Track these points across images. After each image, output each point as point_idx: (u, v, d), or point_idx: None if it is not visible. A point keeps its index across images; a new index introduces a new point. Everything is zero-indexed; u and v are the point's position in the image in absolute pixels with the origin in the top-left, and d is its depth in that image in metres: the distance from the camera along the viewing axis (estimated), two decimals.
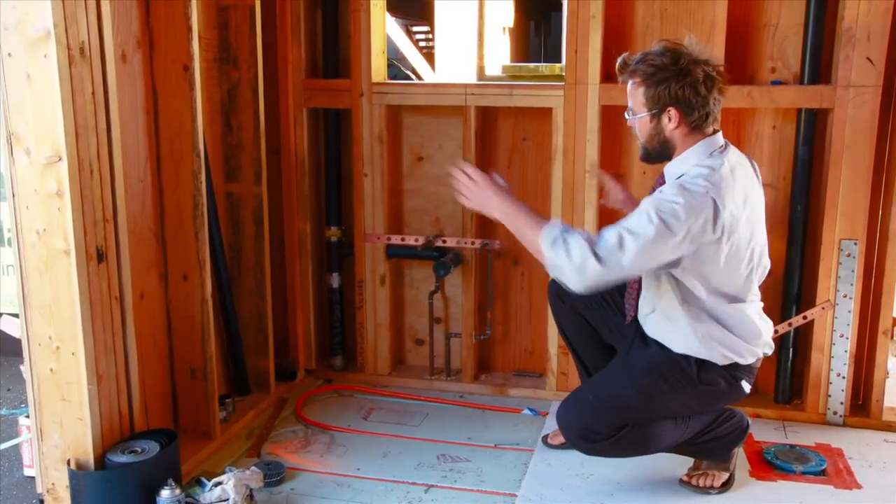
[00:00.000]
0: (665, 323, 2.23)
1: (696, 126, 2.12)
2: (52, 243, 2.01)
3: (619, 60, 2.18)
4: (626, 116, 2.19)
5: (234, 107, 2.75)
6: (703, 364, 2.19)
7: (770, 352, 2.29)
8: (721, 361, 2.20)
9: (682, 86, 2.07)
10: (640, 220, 2.00)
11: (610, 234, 2.01)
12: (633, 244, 1.98)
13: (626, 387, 2.20)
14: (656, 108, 2.11)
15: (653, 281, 2.23)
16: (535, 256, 2.11)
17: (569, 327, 2.57)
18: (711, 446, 2.31)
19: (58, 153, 1.96)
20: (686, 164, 2.13)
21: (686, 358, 2.20)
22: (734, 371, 2.22)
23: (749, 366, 2.24)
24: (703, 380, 2.20)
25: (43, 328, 2.08)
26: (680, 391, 2.19)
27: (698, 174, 2.07)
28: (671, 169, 2.18)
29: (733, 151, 2.17)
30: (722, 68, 2.12)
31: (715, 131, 2.15)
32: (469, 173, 2.15)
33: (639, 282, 2.31)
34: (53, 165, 1.97)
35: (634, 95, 2.14)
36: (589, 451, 2.25)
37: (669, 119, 2.11)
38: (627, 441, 2.19)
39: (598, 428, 2.18)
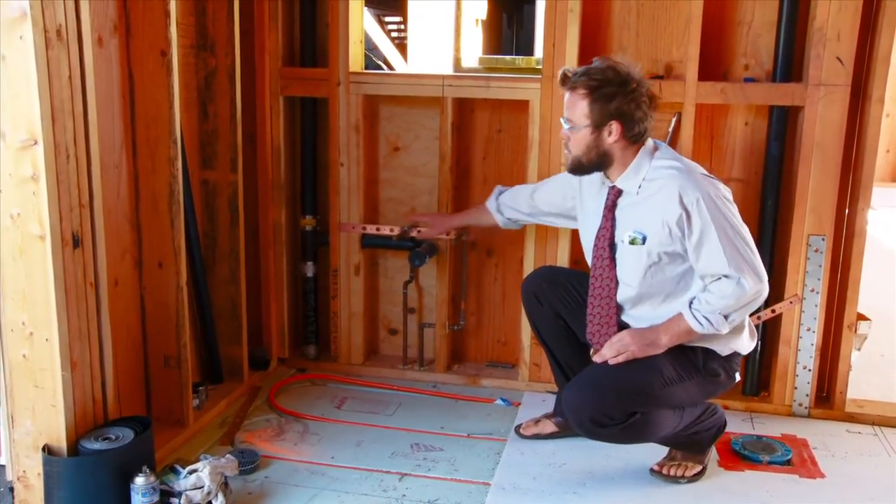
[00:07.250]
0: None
1: (634, 140, 2.21)
2: (27, 228, 1.99)
3: (560, 73, 2.22)
4: (564, 127, 2.23)
5: (210, 94, 2.73)
6: (707, 354, 2.26)
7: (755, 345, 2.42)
8: (725, 352, 2.27)
9: (626, 101, 2.16)
10: (739, 231, 2.16)
11: (738, 263, 2.14)
12: (753, 253, 2.19)
13: (645, 372, 2.18)
14: (599, 122, 2.17)
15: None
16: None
17: (545, 329, 2.56)
18: (694, 439, 2.35)
19: (33, 137, 1.93)
20: (640, 174, 2.23)
21: (692, 348, 2.25)
22: (732, 361, 2.30)
23: (740, 357, 2.33)
24: (708, 370, 2.26)
25: (16, 314, 2.05)
26: (687, 380, 2.23)
27: (673, 176, 2.18)
28: (629, 182, 2.25)
29: (662, 146, 2.30)
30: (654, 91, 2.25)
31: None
32: (608, 354, 2.23)
33: (617, 316, 2.34)
34: (29, 149, 1.94)
35: (576, 108, 2.18)
36: (594, 436, 2.24)
37: (610, 133, 2.18)
38: (634, 428, 2.18)
39: (613, 413, 2.16)
